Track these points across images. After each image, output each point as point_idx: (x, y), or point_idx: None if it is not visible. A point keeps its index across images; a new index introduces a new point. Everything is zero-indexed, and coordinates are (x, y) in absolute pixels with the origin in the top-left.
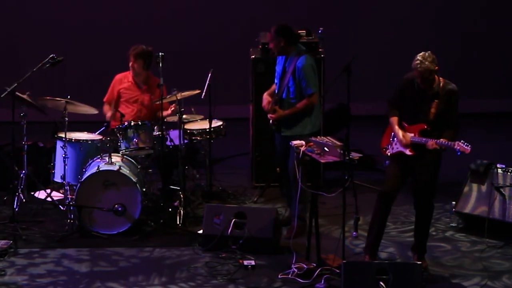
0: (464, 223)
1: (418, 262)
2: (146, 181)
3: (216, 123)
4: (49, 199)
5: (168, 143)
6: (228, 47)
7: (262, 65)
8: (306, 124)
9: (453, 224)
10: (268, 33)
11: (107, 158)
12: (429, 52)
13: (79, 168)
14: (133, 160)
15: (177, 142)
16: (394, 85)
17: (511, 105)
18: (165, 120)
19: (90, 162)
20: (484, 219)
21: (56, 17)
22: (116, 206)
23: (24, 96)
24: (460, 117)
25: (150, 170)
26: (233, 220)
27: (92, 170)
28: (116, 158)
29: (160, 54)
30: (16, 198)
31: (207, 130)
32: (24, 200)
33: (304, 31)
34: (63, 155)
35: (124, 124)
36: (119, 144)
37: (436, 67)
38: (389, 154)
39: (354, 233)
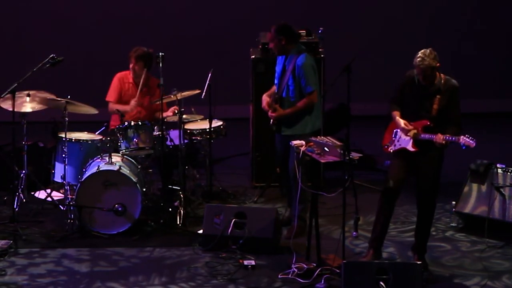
0: (464, 223)
1: (418, 262)
2: (146, 181)
3: (216, 123)
4: (49, 199)
5: (168, 143)
6: (228, 47)
7: (262, 65)
8: (306, 123)
9: (453, 224)
10: (268, 33)
11: (107, 158)
12: (430, 49)
13: (79, 168)
14: (133, 160)
15: (177, 142)
16: (394, 84)
17: (511, 105)
18: (165, 120)
19: (90, 162)
20: (484, 219)
21: (56, 17)
22: (116, 206)
23: (23, 110)
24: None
25: (150, 170)
26: (233, 220)
27: (92, 170)
28: (116, 158)
29: (160, 54)
30: (16, 198)
31: (207, 130)
32: (24, 200)
33: (304, 31)
34: (63, 155)
35: (124, 124)
36: (119, 144)
37: (438, 64)
38: (391, 151)
39: (354, 233)
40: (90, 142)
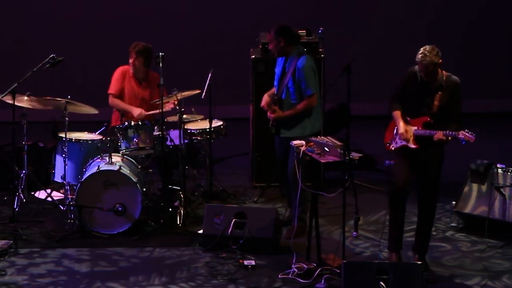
0: (464, 223)
1: (418, 262)
2: (147, 181)
3: (216, 123)
4: (49, 199)
5: (168, 143)
6: (228, 47)
7: (262, 65)
8: (305, 126)
9: (453, 224)
10: (268, 34)
11: (107, 158)
12: (432, 45)
13: (79, 168)
14: (133, 160)
15: (177, 142)
16: (395, 81)
17: (511, 105)
18: (165, 120)
19: (90, 162)
20: (484, 219)
21: (56, 17)
22: (116, 206)
23: (23, 104)
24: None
25: (151, 170)
26: (234, 220)
27: (92, 170)
28: (116, 158)
29: (160, 54)
30: (16, 198)
31: (207, 130)
32: (24, 200)
33: (304, 31)
34: (64, 155)
35: (124, 124)
36: (119, 144)
37: (440, 60)
38: (393, 148)
39: (354, 233)
40: (90, 142)
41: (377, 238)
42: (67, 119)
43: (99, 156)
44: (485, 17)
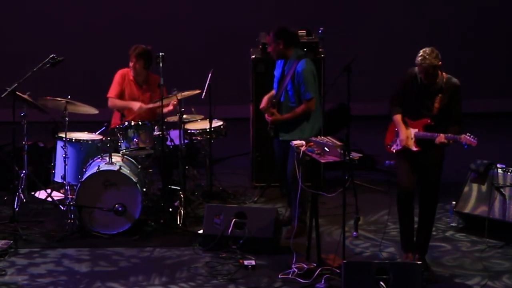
0: (464, 223)
1: (418, 262)
2: (147, 181)
3: (217, 123)
4: (49, 199)
5: (168, 143)
6: (228, 47)
7: (262, 65)
8: (304, 129)
9: (453, 224)
10: (267, 37)
11: (107, 158)
12: (432, 47)
13: (80, 168)
14: (133, 160)
15: (177, 142)
16: (395, 82)
17: (511, 105)
18: (166, 120)
19: (90, 162)
20: (484, 219)
21: (56, 17)
22: (116, 206)
23: (25, 96)
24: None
25: (151, 170)
26: (234, 220)
27: (92, 170)
28: (116, 158)
29: (160, 54)
30: (16, 198)
31: (208, 130)
32: (24, 200)
33: (304, 31)
34: (64, 155)
35: (124, 124)
36: (119, 144)
37: (439, 63)
38: (394, 151)
39: (354, 233)
40: (90, 142)
41: (377, 238)
42: (67, 119)
43: (99, 156)
44: (485, 17)
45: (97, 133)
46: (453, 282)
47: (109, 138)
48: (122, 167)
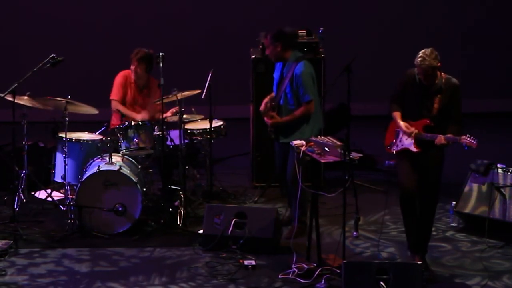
0: (464, 223)
1: (419, 262)
2: (147, 181)
3: (217, 123)
4: (49, 199)
5: (168, 143)
6: (228, 47)
7: (262, 65)
8: (304, 131)
9: (453, 224)
10: (265, 40)
11: (107, 158)
12: (431, 48)
13: (80, 168)
14: (133, 160)
15: (177, 142)
16: (395, 82)
17: (511, 105)
18: (166, 120)
19: (90, 162)
20: (484, 219)
21: (56, 17)
22: (116, 206)
23: (23, 102)
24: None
25: (151, 170)
26: (234, 220)
27: (92, 170)
28: (116, 158)
29: (160, 54)
30: (16, 198)
31: (208, 130)
32: (24, 200)
33: (304, 31)
34: (64, 155)
35: (124, 124)
36: (119, 144)
37: (439, 64)
38: (394, 152)
39: (355, 233)
40: (90, 142)
41: (377, 238)
42: (67, 119)
43: (99, 156)
44: (485, 17)
45: (97, 133)
46: (453, 282)
47: (109, 138)
48: (122, 167)
